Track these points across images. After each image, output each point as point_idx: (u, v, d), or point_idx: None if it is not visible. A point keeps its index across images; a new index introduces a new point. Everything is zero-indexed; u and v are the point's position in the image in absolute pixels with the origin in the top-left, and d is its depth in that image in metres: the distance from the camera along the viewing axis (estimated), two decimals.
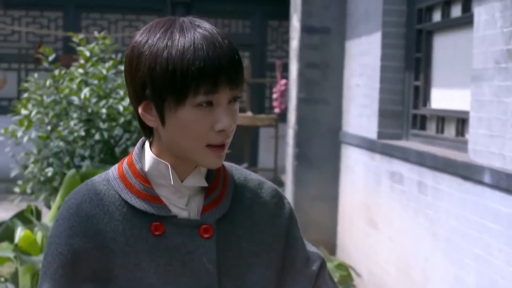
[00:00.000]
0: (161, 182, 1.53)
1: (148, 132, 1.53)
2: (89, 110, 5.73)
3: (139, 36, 1.49)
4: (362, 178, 6.83)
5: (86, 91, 5.67)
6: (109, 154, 5.87)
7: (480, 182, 4.43)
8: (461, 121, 5.24)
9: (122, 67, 6.23)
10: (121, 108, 5.66)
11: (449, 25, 5.61)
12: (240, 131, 8.72)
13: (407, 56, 6.34)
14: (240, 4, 13.64)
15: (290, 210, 1.64)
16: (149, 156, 1.54)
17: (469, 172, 4.57)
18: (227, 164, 1.64)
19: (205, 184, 1.54)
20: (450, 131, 5.57)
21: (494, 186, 4.26)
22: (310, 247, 1.68)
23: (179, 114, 1.44)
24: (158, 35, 1.45)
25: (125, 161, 1.57)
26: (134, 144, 5.81)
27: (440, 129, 5.72)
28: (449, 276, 4.85)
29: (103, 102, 5.67)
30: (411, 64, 6.27)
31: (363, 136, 6.76)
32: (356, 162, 7.07)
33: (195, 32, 1.45)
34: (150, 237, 1.50)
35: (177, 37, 1.44)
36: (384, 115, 6.39)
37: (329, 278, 1.67)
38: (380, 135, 6.38)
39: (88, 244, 1.49)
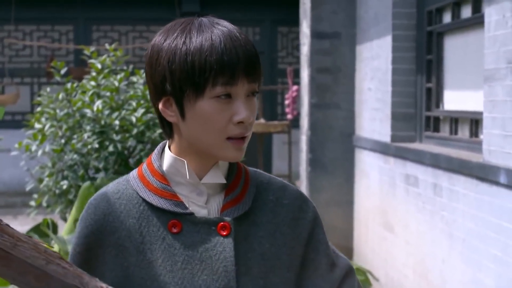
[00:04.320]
0: (179, 180, 1.54)
1: (168, 130, 1.55)
2: (102, 122, 5.74)
3: (158, 36, 1.52)
4: (376, 182, 6.82)
5: (98, 103, 5.69)
6: (123, 166, 5.88)
7: (496, 183, 4.41)
8: (475, 122, 5.22)
9: (134, 78, 6.25)
10: (133, 119, 5.67)
11: (460, 26, 5.60)
12: (253, 138, 8.72)
13: (418, 58, 6.33)
14: (249, 11, 13.67)
15: (314, 213, 1.63)
16: (167, 155, 1.56)
17: (484, 173, 4.56)
18: (250, 168, 1.64)
19: (223, 180, 1.55)
20: (464, 132, 5.55)
21: (510, 186, 4.24)
22: (339, 255, 1.66)
23: (198, 107, 1.46)
24: (176, 33, 1.48)
25: (145, 163, 1.60)
26: (147, 155, 5.82)
27: (454, 131, 5.70)
28: (467, 278, 4.83)
29: (115, 114, 5.68)
30: (422, 66, 6.26)
31: (377, 140, 6.75)
32: (370, 166, 7.06)
33: (213, 28, 1.48)
34: (167, 235, 1.50)
35: (195, 33, 1.47)
36: (397, 118, 6.38)
37: (357, 286, 1.64)
38: (394, 138, 6.37)
39: (104, 242, 1.51)
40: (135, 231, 1.51)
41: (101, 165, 5.68)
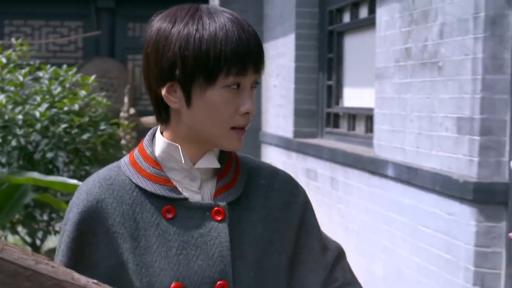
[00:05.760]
0: (172, 166, 1.53)
1: (164, 116, 1.52)
2: (6, 117, 5.73)
3: (161, 22, 1.49)
4: None
5: (2, 98, 5.68)
6: (27, 160, 5.88)
7: (385, 176, 4.62)
8: (370, 118, 5.43)
9: (40, 73, 6.24)
10: (37, 114, 5.68)
11: (357, 26, 5.81)
12: None
13: (320, 56, 6.52)
14: (166, 8, 13.69)
15: (305, 197, 1.63)
16: (160, 140, 1.54)
17: (374, 167, 4.76)
18: (239, 154, 1.65)
19: (217, 165, 1.54)
20: (360, 128, 5.76)
21: (397, 179, 4.45)
22: (329, 238, 1.68)
23: (208, 95, 1.45)
24: (186, 19, 1.47)
25: (136, 149, 1.57)
26: (52, 150, 5.84)
27: (352, 127, 5.91)
28: (361, 269, 5.03)
29: (19, 108, 5.68)
30: (323, 64, 6.45)
31: (281, 136, 6.92)
32: (275, 161, 7.22)
33: (223, 17, 1.46)
34: (161, 221, 1.49)
35: (207, 20, 1.46)
36: (300, 114, 6.56)
37: (347, 269, 1.67)
38: (296, 134, 6.54)
39: (98, 229, 1.49)
40: (129, 217, 1.49)
41: (3, 160, 5.67)
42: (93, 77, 6.19)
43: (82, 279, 1.28)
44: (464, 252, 3.74)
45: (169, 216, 1.49)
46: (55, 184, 4.59)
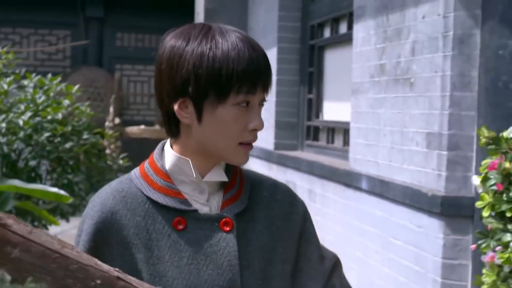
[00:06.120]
0: (182, 179, 1.58)
1: (174, 130, 1.58)
2: None
3: (175, 40, 1.54)
4: None
5: None
6: (10, 168, 5.96)
7: (359, 189, 4.72)
8: (347, 131, 5.53)
9: (25, 82, 6.31)
10: (21, 122, 5.76)
11: (337, 41, 5.92)
12: (150, 143, 8.87)
13: (301, 70, 6.63)
14: (154, 19, 13.77)
15: (304, 208, 1.69)
16: (170, 154, 1.59)
17: (349, 180, 4.86)
18: (242, 168, 1.71)
19: (225, 178, 1.60)
20: (339, 141, 5.86)
21: (370, 192, 4.55)
22: (325, 247, 1.75)
23: (218, 112, 1.51)
24: (199, 38, 1.52)
25: (146, 162, 1.62)
26: (35, 158, 5.92)
27: (331, 140, 6.02)
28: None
29: (2, 117, 5.76)
30: (304, 78, 6.56)
31: (262, 148, 7.02)
32: None
33: (234, 36, 1.53)
34: (172, 232, 1.55)
35: (220, 40, 1.51)
36: (280, 127, 6.67)
37: (343, 277, 1.73)
38: (277, 146, 6.65)
39: (112, 239, 1.55)
40: (142, 228, 1.55)
41: None
42: (77, 86, 6.28)
43: (105, 266, 1.32)
44: (432, 264, 3.84)
45: (180, 227, 1.55)
46: (36, 192, 4.67)
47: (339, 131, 5.85)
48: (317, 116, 6.37)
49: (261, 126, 1.54)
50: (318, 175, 5.49)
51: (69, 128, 6.02)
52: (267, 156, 6.83)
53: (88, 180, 6.44)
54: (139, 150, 9.14)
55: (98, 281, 1.28)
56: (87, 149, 6.14)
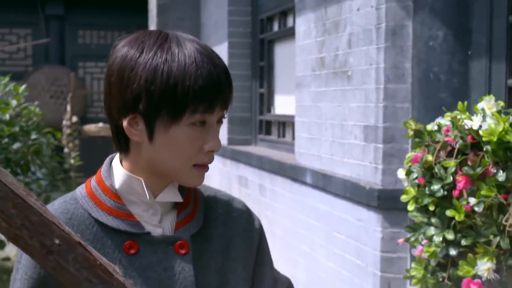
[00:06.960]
0: (132, 199, 1.46)
1: (124, 146, 1.46)
2: None
3: (127, 49, 1.41)
4: (217, 184, 7.04)
5: None
6: None
7: (304, 183, 4.69)
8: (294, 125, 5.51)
9: None
10: None
11: (285, 34, 5.88)
12: (107, 142, 8.83)
13: (252, 64, 6.59)
14: (114, 16, 13.66)
15: (260, 225, 1.60)
16: (119, 172, 1.47)
17: (295, 174, 4.83)
18: None
19: (180, 199, 1.49)
20: (289, 135, 5.84)
21: (314, 186, 4.53)
22: (277, 270, 1.68)
23: (171, 132, 1.39)
24: (154, 49, 1.39)
25: (92, 179, 1.50)
26: None
27: (282, 134, 5.98)
28: (286, 274, 5.09)
29: None
30: (256, 72, 6.52)
31: None
32: (212, 169, 7.27)
33: (192, 48, 1.40)
34: (123, 256, 1.44)
35: (176, 51, 1.38)
36: (234, 122, 6.63)
37: None
38: (230, 141, 6.61)
39: None
40: None
41: None
42: (23, 86, 6.20)
43: (67, 228, 1.20)
44: (372, 257, 3.82)
45: (132, 251, 1.44)
46: None
47: (289, 125, 5.83)
48: (269, 110, 6.34)
49: (218, 147, 1.42)
50: (268, 169, 5.46)
51: (17, 128, 5.94)
52: (221, 152, 6.79)
53: (40, 180, 6.36)
54: (100, 149, 9.07)
55: (57, 241, 1.17)
56: (36, 149, 6.06)
